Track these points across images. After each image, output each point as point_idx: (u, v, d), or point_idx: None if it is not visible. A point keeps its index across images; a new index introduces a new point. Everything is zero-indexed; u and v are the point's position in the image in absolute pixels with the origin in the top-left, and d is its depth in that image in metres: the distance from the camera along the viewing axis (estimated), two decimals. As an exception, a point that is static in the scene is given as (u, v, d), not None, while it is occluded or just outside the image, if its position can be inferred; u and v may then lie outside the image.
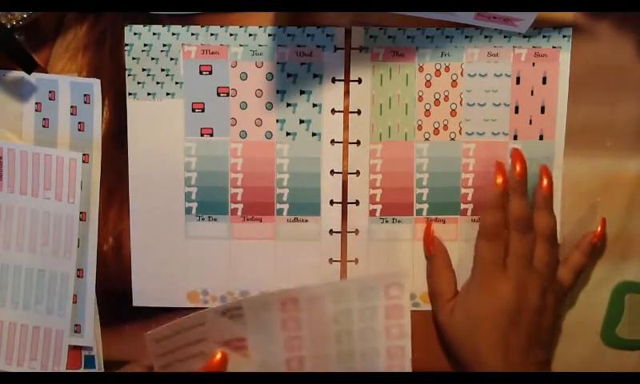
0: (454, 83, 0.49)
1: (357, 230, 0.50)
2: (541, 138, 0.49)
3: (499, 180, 0.47)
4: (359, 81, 0.48)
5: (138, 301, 0.50)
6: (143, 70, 0.48)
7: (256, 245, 0.50)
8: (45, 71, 0.49)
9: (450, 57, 0.48)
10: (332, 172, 0.49)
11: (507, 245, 0.47)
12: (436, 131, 0.49)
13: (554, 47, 0.48)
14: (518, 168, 0.47)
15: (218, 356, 0.47)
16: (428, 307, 0.50)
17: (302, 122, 0.49)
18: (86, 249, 0.50)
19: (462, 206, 0.49)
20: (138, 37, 0.48)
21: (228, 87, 0.49)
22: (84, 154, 0.49)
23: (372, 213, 0.49)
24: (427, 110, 0.49)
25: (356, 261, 0.50)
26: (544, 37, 0.48)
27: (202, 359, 0.47)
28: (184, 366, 0.48)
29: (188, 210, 0.50)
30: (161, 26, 0.48)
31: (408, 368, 0.47)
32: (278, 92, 0.49)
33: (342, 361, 0.47)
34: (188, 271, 0.50)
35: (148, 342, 0.47)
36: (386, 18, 0.48)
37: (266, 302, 0.46)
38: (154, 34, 0.48)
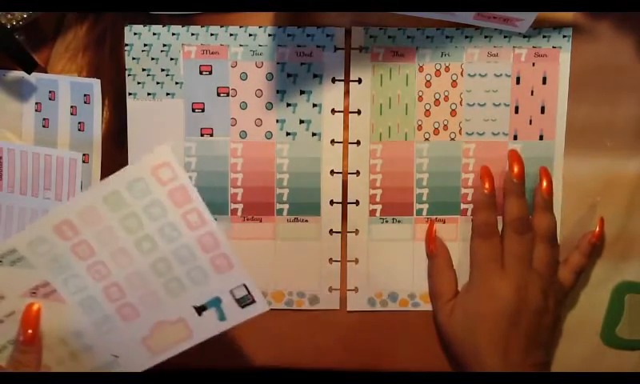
0: (454, 83, 0.49)
1: (357, 230, 0.50)
2: (541, 138, 0.49)
3: (487, 185, 0.47)
4: (359, 81, 0.48)
5: (137, 301, 0.50)
6: (143, 70, 0.48)
7: (256, 245, 0.50)
8: (45, 71, 0.49)
9: (450, 57, 0.48)
10: (332, 172, 0.49)
11: (502, 242, 0.47)
12: (436, 131, 0.49)
13: (554, 47, 0.48)
14: (515, 170, 0.47)
15: (31, 308, 0.43)
16: (428, 307, 0.50)
17: (301, 122, 0.49)
18: (86, 249, 0.50)
19: (462, 206, 0.49)
20: (138, 37, 0.48)
21: (228, 87, 0.49)
22: (84, 154, 0.49)
23: (372, 213, 0.49)
24: (427, 109, 0.49)
25: (356, 261, 0.50)
26: (544, 37, 0.48)
27: (14, 319, 0.44)
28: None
29: (188, 210, 0.49)
30: (161, 26, 0.48)
31: (227, 249, 0.41)
32: (278, 92, 0.49)
33: (161, 275, 0.42)
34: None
35: None
36: (386, 17, 0.48)
37: (40, 237, 0.41)
38: (154, 34, 0.48)
